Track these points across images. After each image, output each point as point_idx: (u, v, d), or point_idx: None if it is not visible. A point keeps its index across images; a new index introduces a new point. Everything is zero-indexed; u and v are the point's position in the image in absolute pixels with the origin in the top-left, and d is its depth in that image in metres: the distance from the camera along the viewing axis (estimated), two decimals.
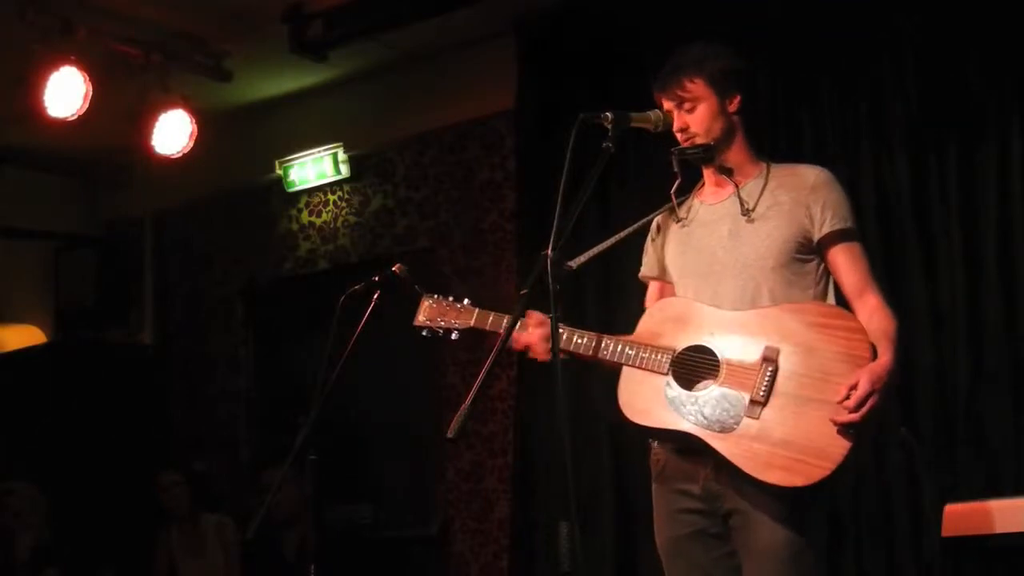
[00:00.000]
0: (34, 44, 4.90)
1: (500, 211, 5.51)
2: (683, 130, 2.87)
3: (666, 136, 2.91)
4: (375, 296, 3.54)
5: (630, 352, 2.81)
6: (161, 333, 6.94)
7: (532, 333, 2.92)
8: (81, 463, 5.75)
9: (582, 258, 2.93)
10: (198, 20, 5.27)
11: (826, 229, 2.79)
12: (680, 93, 2.85)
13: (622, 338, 2.85)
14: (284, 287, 6.44)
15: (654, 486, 2.92)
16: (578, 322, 2.94)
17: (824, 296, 2.82)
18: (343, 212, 6.15)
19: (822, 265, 2.83)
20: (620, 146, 2.67)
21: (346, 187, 6.13)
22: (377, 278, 3.58)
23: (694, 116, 2.85)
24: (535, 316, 2.92)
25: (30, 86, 4.96)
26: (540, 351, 2.93)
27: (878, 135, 4.21)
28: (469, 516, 5.47)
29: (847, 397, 2.57)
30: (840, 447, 2.57)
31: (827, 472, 2.56)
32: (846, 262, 2.80)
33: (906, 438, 3.00)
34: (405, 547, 5.77)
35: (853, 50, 4.27)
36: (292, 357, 6.31)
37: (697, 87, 2.84)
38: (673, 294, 2.97)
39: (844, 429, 2.57)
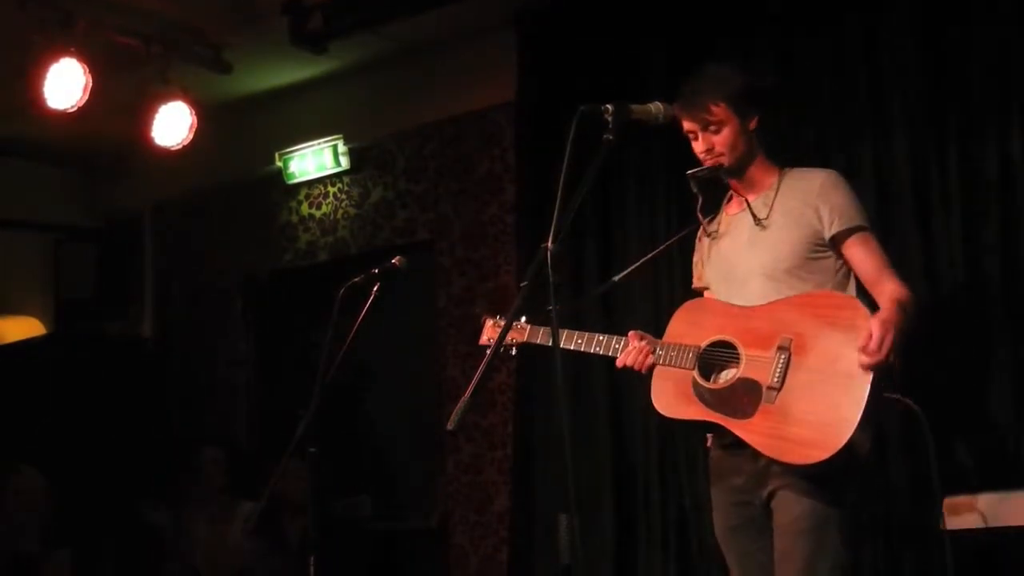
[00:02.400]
0: (34, 36, 4.89)
1: (500, 204, 5.50)
2: (708, 151, 3.05)
3: (667, 128, 2.97)
4: (375, 288, 3.55)
5: (660, 352, 3.03)
6: (161, 325, 6.94)
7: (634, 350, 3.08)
8: (80, 456, 5.74)
9: (623, 273, 3.37)
10: (198, 12, 5.26)
11: (835, 228, 2.98)
12: (705, 117, 3.02)
13: (654, 340, 3.07)
14: (284, 279, 6.44)
15: (711, 487, 3.14)
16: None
17: (842, 288, 3.00)
18: (343, 204, 6.14)
19: (840, 260, 3.01)
20: (620, 139, 2.68)
21: (346, 179, 6.13)
22: (377, 270, 3.59)
23: (719, 138, 3.04)
24: (635, 335, 3.11)
25: (30, 78, 4.96)
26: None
27: (878, 131, 4.19)
28: (469, 508, 5.47)
29: (866, 347, 2.73)
30: (850, 415, 2.73)
31: (843, 440, 2.71)
32: (859, 255, 2.99)
33: (910, 408, 3.08)
34: (405, 539, 5.78)
35: (853, 46, 4.26)
36: (292, 349, 6.31)
37: (720, 111, 3.02)
38: None
39: (866, 371, 2.72)
